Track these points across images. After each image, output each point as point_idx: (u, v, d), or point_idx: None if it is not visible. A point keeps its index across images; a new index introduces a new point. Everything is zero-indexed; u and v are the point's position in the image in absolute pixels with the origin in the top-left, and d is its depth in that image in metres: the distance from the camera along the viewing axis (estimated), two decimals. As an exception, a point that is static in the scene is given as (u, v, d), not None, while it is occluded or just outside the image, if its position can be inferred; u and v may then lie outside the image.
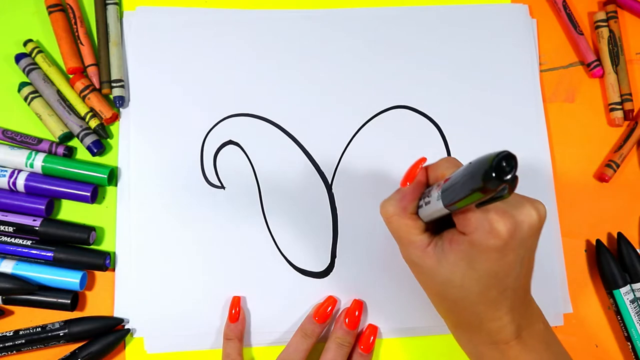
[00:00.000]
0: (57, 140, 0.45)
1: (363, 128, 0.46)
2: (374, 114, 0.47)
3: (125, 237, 0.44)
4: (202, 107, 0.46)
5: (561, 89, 0.49)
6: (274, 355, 0.41)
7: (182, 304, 0.43)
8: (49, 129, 0.45)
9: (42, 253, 0.41)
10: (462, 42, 0.49)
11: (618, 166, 0.47)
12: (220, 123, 0.46)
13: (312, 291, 0.43)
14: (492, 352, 0.33)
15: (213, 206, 0.44)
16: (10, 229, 0.42)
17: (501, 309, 0.32)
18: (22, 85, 0.45)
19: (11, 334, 0.41)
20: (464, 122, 0.47)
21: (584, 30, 0.50)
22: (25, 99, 0.45)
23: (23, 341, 0.40)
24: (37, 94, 0.45)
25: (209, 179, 0.45)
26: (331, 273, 0.44)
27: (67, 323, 0.41)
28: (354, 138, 0.46)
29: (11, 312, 0.43)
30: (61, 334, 0.40)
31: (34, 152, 0.43)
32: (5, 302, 0.42)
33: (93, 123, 0.45)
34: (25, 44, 0.46)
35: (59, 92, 0.45)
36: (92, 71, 0.46)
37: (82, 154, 0.45)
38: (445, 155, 0.46)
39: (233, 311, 0.42)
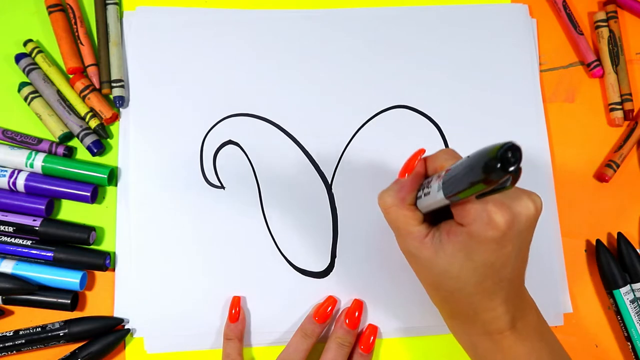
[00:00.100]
0: (57, 140, 0.45)
1: (363, 128, 0.46)
2: (373, 114, 0.47)
3: (125, 237, 0.44)
4: (202, 107, 0.46)
5: (561, 89, 0.49)
6: (274, 355, 0.41)
7: (182, 304, 0.43)
8: (49, 129, 0.45)
9: (42, 253, 0.41)
10: (462, 42, 0.49)
11: (618, 166, 0.47)
12: (220, 123, 0.46)
13: (312, 291, 0.43)
14: (486, 343, 0.34)
15: (213, 206, 0.44)
16: (10, 229, 0.42)
17: (496, 299, 0.32)
18: (22, 85, 0.45)
19: (11, 334, 0.41)
20: (463, 122, 0.47)
21: (584, 30, 0.50)
22: (25, 99, 0.45)
23: (23, 341, 0.40)
24: (37, 94, 0.45)
25: (209, 179, 0.45)
26: (331, 273, 0.44)
27: (67, 323, 0.41)
28: (354, 138, 0.46)
29: (11, 312, 0.43)
30: (61, 334, 0.40)
31: (34, 152, 0.44)
32: (5, 302, 0.42)
33: (93, 123, 0.45)
34: (25, 44, 0.46)
35: (59, 92, 0.45)
36: (92, 71, 0.46)
37: (82, 154, 0.45)
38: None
39: (233, 311, 0.42)
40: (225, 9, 0.48)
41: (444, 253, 0.31)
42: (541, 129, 0.47)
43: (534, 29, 0.50)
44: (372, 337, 0.42)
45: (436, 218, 0.33)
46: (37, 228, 0.42)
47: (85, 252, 0.42)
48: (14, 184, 0.43)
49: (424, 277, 0.34)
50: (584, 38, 0.49)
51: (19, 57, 0.46)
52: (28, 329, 0.41)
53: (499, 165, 0.24)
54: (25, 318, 0.42)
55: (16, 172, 0.43)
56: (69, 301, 0.41)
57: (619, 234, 0.45)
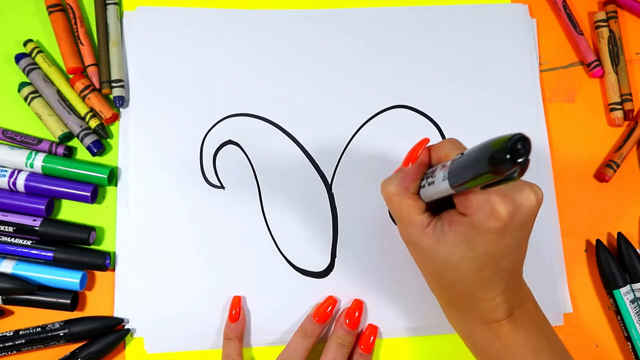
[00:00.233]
0: (57, 140, 0.45)
1: (363, 128, 0.46)
2: (374, 114, 0.47)
3: (125, 237, 0.44)
4: (202, 107, 0.46)
5: (561, 89, 0.49)
6: (274, 355, 0.41)
7: (182, 304, 0.43)
8: (49, 129, 0.45)
9: (42, 253, 0.42)
10: (462, 42, 0.49)
11: (618, 166, 0.47)
12: (220, 123, 0.46)
13: (312, 291, 0.43)
14: (484, 331, 0.34)
15: (213, 206, 0.44)
16: (10, 229, 0.42)
17: (495, 289, 0.32)
18: (22, 85, 0.45)
19: (11, 334, 0.41)
20: (463, 122, 0.47)
21: (584, 30, 0.50)
22: (25, 99, 0.45)
23: (23, 341, 0.40)
24: (37, 94, 0.45)
25: (209, 179, 0.45)
26: (331, 273, 0.44)
27: (67, 323, 0.41)
28: (354, 138, 0.46)
29: (11, 312, 0.43)
30: (61, 334, 0.40)
31: (34, 152, 0.44)
32: (5, 302, 0.42)
33: (93, 123, 0.45)
34: (25, 44, 0.46)
35: (59, 92, 0.45)
36: (92, 71, 0.46)
37: (82, 154, 0.45)
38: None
39: (233, 311, 0.42)
40: (225, 9, 0.48)
41: (446, 242, 0.31)
42: (541, 129, 0.47)
43: (534, 29, 0.50)
44: (372, 337, 0.42)
45: (438, 207, 0.33)
46: (37, 228, 0.42)
47: (85, 252, 0.42)
48: (14, 184, 0.43)
49: (425, 266, 0.34)
50: (584, 38, 0.49)
51: (19, 57, 0.46)
52: (28, 329, 0.41)
53: (509, 157, 0.24)
54: (25, 318, 0.42)
55: (16, 172, 0.43)
56: (69, 301, 0.41)
57: (619, 234, 0.45)
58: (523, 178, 0.28)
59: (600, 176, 0.47)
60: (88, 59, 0.46)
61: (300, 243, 0.44)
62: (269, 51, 0.48)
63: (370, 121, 0.47)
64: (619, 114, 0.48)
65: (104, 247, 0.44)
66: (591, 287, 0.46)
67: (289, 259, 0.44)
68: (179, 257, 0.43)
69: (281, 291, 0.43)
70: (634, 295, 0.44)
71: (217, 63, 0.47)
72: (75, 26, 0.47)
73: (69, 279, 0.41)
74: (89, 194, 0.43)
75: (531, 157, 0.25)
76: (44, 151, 0.44)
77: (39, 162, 0.43)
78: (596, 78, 0.50)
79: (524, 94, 0.48)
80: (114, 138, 0.46)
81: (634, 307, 0.43)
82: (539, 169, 0.47)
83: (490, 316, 0.33)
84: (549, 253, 0.45)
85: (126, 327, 0.42)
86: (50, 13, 0.47)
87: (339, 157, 0.46)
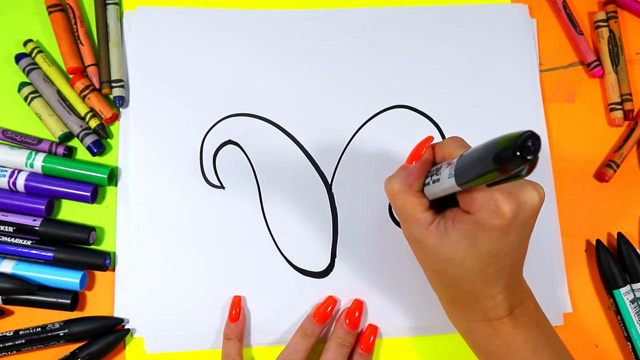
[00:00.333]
0: (57, 140, 0.45)
1: (363, 128, 0.46)
2: (374, 114, 0.47)
3: (125, 237, 0.44)
4: (202, 107, 0.46)
5: (561, 89, 0.49)
6: (274, 355, 0.41)
7: (182, 304, 0.43)
8: (49, 129, 0.45)
9: (42, 253, 0.41)
10: (462, 42, 0.49)
11: (618, 166, 0.47)
12: (220, 123, 0.46)
13: (312, 291, 0.43)
14: (485, 329, 0.34)
15: (213, 206, 0.44)
16: (10, 229, 0.42)
17: (497, 287, 0.32)
18: (22, 85, 0.45)
19: (11, 334, 0.41)
20: (463, 122, 0.47)
21: (584, 30, 0.50)
22: (25, 99, 0.45)
23: (23, 341, 0.40)
24: (37, 94, 0.45)
25: (209, 179, 0.45)
26: (331, 273, 0.44)
27: (67, 323, 0.41)
28: (354, 138, 0.46)
29: (11, 312, 0.43)
30: (61, 334, 0.40)
31: (34, 152, 0.44)
32: (5, 302, 0.42)
33: (93, 123, 0.45)
34: (25, 44, 0.46)
35: (59, 92, 0.45)
36: (92, 71, 0.46)
37: (82, 154, 0.45)
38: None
39: (233, 311, 0.42)
40: (225, 9, 0.48)
41: (449, 240, 0.31)
42: (541, 129, 0.47)
43: (534, 29, 0.50)
44: (372, 337, 0.42)
45: (441, 205, 0.33)
46: (37, 228, 0.42)
47: (85, 252, 0.42)
48: (14, 184, 0.43)
49: (428, 264, 0.34)
50: (584, 38, 0.49)
51: (19, 57, 0.46)
52: (28, 329, 0.41)
53: (519, 154, 0.24)
54: (25, 318, 0.42)
55: (16, 172, 0.43)
56: (69, 301, 0.41)
57: (619, 234, 0.45)
58: None
59: (600, 176, 0.47)
60: (88, 59, 0.46)
61: (300, 243, 0.44)
62: (269, 51, 0.48)
63: (370, 121, 0.47)
64: (619, 114, 0.48)
65: (104, 247, 0.44)
66: (591, 287, 0.46)
67: (289, 259, 0.44)
68: (179, 257, 0.43)
69: (281, 291, 0.43)
70: (634, 295, 0.44)
71: (217, 63, 0.47)
72: (75, 26, 0.47)
73: (69, 279, 0.41)
74: (89, 194, 0.43)
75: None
76: (44, 151, 0.44)
77: (39, 162, 0.43)
78: (596, 78, 0.50)
79: (524, 94, 0.48)
80: (114, 138, 0.46)
81: (634, 307, 0.43)
82: (539, 169, 0.47)
83: (491, 314, 0.33)
84: (549, 253, 0.45)
85: (126, 327, 0.42)
86: (50, 13, 0.47)
87: (339, 157, 0.46)
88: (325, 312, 0.41)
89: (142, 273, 0.43)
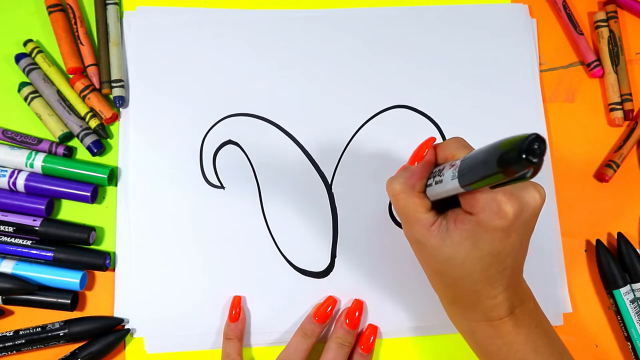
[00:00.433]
0: (57, 140, 0.45)
1: (363, 128, 0.46)
2: (374, 114, 0.47)
3: (125, 237, 0.44)
4: (201, 107, 0.46)
5: (561, 89, 0.49)
6: (274, 355, 0.41)
7: (182, 304, 0.43)
8: (49, 129, 0.45)
9: (42, 253, 0.41)
10: (462, 42, 0.49)
11: (618, 166, 0.47)
12: (220, 123, 0.46)
13: (312, 291, 0.43)
14: (486, 329, 0.34)
15: (213, 206, 0.44)
16: (10, 229, 0.42)
17: (498, 287, 0.32)
18: (22, 85, 0.45)
19: (11, 334, 0.41)
20: (463, 122, 0.47)
21: (584, 30, 0.50)
22: (25, 99, 0.45)
23: (23, 341, 0.40)
24: (37, 94, 0.45)
25: (209, 179, 0.45)
26: (331, 273, 0.44)
27: (67, 323, 0.41)
28: (354, 138, 0.46)
29: (11, 312, 0.43)
30: (61, 334, 0.40)
31: (34, 152, 0.44)
32: (5, 302, 0.42)
33: (93, 123, 0.45)
34: (25, 44, 0.46)
35: (59, 92, 0.45)
36: (92, 71, 0.46)
37: (82, 154, 0.45)
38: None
39: (234, 312, 0.42)
40: (225, 9, 0.48)
41: (451, 241, 0.31)
42: (541, 129, 0.47)
43: (534, 29, 0.50)
44: (372, 337, 0.42)
45: (442, 206, 0.33)
46: (37, 228, 0.42)
47: (85, 252, 0.42)
48: (14, 184, 0.43)
49: (429, 264, 0.34)
50: (584, 38, 0.49)
51: (19, 57, 0.46)
52: (28, 329, 0.41)
53: (524, 157, 0.24)
54: (25, 318, 0.42)
55: (16, 172, 0.43)
56: (69, 301, 0.41)
57: (619, 234, 0.45)
58: None
59: (600, 176, 0.47)
60: (88, 59, 0.46)
61: (300, 243, 0.44)
62: (269, 51, 0.48)
63: (370, 121, 0.47)
64: (619, 114, 0.48)
65: (104, 247, 0.44)
66: (591, 287, 0.46)
67: (289, 259, 0.44)
68: (179, 257, 0.43)
69: (281, 291, 0.43)
70: (634, 295, 0.44)
71: (217, 63, 0.47)
72: (75, 26, 0.47)
73: (69, 279, 0.41)
74: (89, 194, 0.43)
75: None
76: (44, 151, 0.44)
77: (39, 162, 0.43)
78: (596, 78, 0.50)
79: (524, 94, 0.48)
80: (114, 138, 0.46)
81: (634, 307, 0.43)
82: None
83: (492, 314, 0.33)
84: (549, 253, 0.45)
85: (126, 327, 0.42)
86: (50, 13, 0.47)
87: (339, 157, 0.46)
88: (325, 312, 0.41)
89: (142, 273, 0.43)
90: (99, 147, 0.44)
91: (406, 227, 0.34)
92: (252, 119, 0.46)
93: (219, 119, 0.46)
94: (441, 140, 0.46)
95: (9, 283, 0.40)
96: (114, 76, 0.46)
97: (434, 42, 0.49)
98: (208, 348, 0.42)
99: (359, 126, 0.46)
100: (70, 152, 0.45)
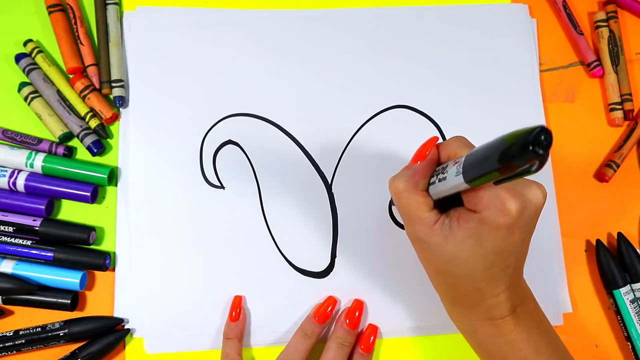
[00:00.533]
0: (57, 140, 0.45)
1: (363, 128, 0.46)
2: (374, 114, 0.47)
3: (125, 237, 0.44)
4: (202, 107, 0.46)
5: (561, 89, 0.49)
6: (274, 355, 0.41)
7: (182, 304, 0.43)
8: (49, 129, 0.45)
9: (42, 253, 0.41)
10: (462, 42, 0.49)
11: (618, 166, 0.47)
12: (220, 123, 0.46)
13: (312, 291, 0.43)
14: (488, 328, 0.34)
15: (213, 206, 0.44)
16: (10, 229, 0.42)
17: (501, 286, 0.32)
18: (22, 85, 0.45)
19: (11, 334, 0.41)
20: (463, 122, 0.47)
21: (584, 30, 0.50)
22: (25, 99, 0.45)
23: (23, 341, 0.40)
24: (37, 94, 0.45)
25: (209, 179, 0.45)
26: (331, 273, 0.44)
27: (67, 323, 0.41)
28: (354, 138, 0.46)
29: (11, 312, 0.43)
30: (61, 334, 0.40)
31: (34, 152, 0.44)
32: (5, 302, 0.42)
33: (93, 123, 0.45)
34: (25, 44, 0.46)
35: (59, 92, 0.45)
36: (92, 71, 0.46)
37: (82, 154, 0.45)
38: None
39: (233, 313, 0.42)
40: (225, 9, 0.48)
41: (454, 239, 0.31)
42: (541, 129, 0.47)
43: (534, 29, 0.50)
44: (372, 337, 0.42)
45: (443, 206, 0.33)
46: (37, 228, 0.42)
47: (85, 252, 0.42)
48: (14, 184, 0.43)
49: (431, 263, 0.34)
50: (584, 38, 0.49)
51: (19, 57, 0.46)
52: (28, 329, 0.41)
53: (531, 148, 0.24)
54: (25, 318, 0.42)
55: (16, 172, 0.43)
56: (69, 301, 0.41)
57: (619, 234, 0.45)
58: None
59: (600, 176, 0.47)
60: (88, 59, 0.46)
61: (300, 243, 0.44)
62: (269, 51, 0.48)
63: (370, 121, 0.47)
64: (619, 114, 0.48)
65: (104, 247, 0.44)
66: (591, 287, 0.46)
67: (289, 259, 0.44)
68: (179, 257, 0.43)
69: (281, 291, 0.43)
70: (634, 295, 0.44)
71: (217, 63, 0.47)
72: (75, 26, 0.47)
73: (69, 279, 0.41)
74: (89, 194, 0.43)
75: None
76: (44, 151, 0.44)
77: (39, 162, 0.43)
78: (596, 78, 0.50)
79: (524, 94, 0.48)
80: (114, 138, 0.46)
81: (634, 307, 0.43)
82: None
83: (495, 313, 0.33)
84: (549, 253, 0.45)
85: (126, 327, 0.42)
86: (50, 13, 0.47)
87: (339, 157, 0.46)
88: (325, 312, 0.41)
89: (142, 273, 0.43)
90: (99, 147, 0.44)
91: (408, 226, 0.34)
92: (252, 119, 0.46)
93: (219, 119, 0.46)
94: (441, 141, 0.46)
95: (9, 283, 0.40)
96: (114, 76, 0.46)
97: (434, 42, 0.49)
98: (208, 348, 0.42)
99: (359, 126, 0.46)
100: (70, 152, 0.45)
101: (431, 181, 0.33)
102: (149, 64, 0.47)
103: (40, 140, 0.44)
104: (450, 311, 0.37)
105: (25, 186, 0.43)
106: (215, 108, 0.46)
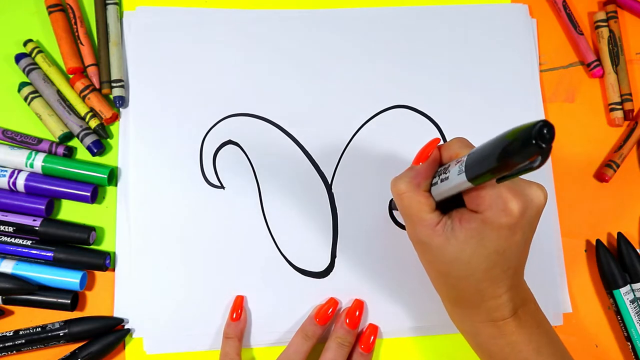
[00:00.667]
0: (57, 140, 0.45)
1: (363, 128, 0.46)
2: (374, 114, 0.47)
3: (125, 237, 0.44)
4: (201, 107, 0.46)
5: (561, 89, 0.49)
6: (274, 356, 0.41)
7: (182, 304, 0.43)
8: (49, 129, 0.45)
9: (42, 253, 0.41)
10: (462, 42, 0.49)
11: (618, 166, 0.47)
12: (220, 123, 0.46)
13: (312, 291, 0.43)
14: (489, 329, 0.34)
15: (213, 206, 0.44)
16: (10, 229, 0.42)
17: (502, 286, 0.32)
18: (22, 85, 0.45)
19: (11, 334, 0.41)
20: (463, 122, 0.47)
21: (584, 30, 0.50)
22: (25, 99, 0.45)
23: (23, 341, 0.40)
24: (37, 94, 0.45)
25: (209, 179, 0.45)
26: (331, 273, 0.44)
27: (67, 323, 0.41)
28: (354, 137, 0.46)
29: (11, 312, 0.43)
30: (61, 334, 0.40)
31: (34, 152, 0.43)
32: (5, 302, 0.42)
33: (93, 123, 0.45)
34: (25, 44, 0.46)
35: (59, 92, 0.45)
36: (92, 71, 0.46)
37: (82, 154, 0.45)
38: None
39: (235, 314, 0.41)
40: (225, 9, 0.48)
41: (456, 240, 0.31)
42: (541, 129, 0.47)
43: (534, 29, 0.50)
44: (372, 337, 0.42)
45: (445, 208, 0.33)
46: (37, 228, 0.42)
47: (85, 252, 0.42)
48: (14, 184, 0.43)
49: (433, 265, 0.34)
50: (584, 38, 0.49)
51: (19, 57, 0.46)
52: (28, 329, 0.41)
53: (534, 142, 0.24)
54: (25, 318, 0.42)
55: (16, 172, 0.43)
56: (69, 301, 0.41)
57: (619, 234, 0.45)
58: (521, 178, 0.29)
59: (600, 176, 0.47)
60: (88, 59, 0.46)
61: (300, 243, 0.44)
62: (269, 51, 0.47)
63: (370, 121, 0.47)
64: (619, 114, 0.48)
65: (104, 247, 0.44)
66: (591, 287, 0.46)
67: (289, 259, 0.44)
68: (178, 257, 0.43)
69: (281, 291, 0.43)
70: (634, 295, 0.44)
71: (217, 63, 0.47)
72: (75, 26, 0.47)
73: (69, 279, 0.41)
74: (89, 194, 0.43)
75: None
76: (44, 151, 0.44)
77: (39, 162, 0.43)
78: (596, 78, 0.50)
79: (524, 94, 0.48)
80: (114, 138, 0.46)
81: (634, 307, 0.43)
82: (539, 169, 0.46)
83: (496, 314, 0.33)
84: (549, 253, 0.45)
85: (126, 327, 0.42)
86: (50, 13, 0.47)
87: (339, 157, 0.46)
88: (326, 314, 0.41)
89: (142, 273, 0.43)
90: (99, 147, 0.44)
91: (410, 228, 0.34)
92: (252, 119, 0.46)
93: (219, 119, 0.46)
94: (441, 141, 0.46)
95: (9, 283, 0.40)
96: (114, 76, 0.46)
97: (434, 41, 0.49)
98: (208, 348, 0.42)
99: (359, 126, 0.46)
100: (70, 152, 0.45)
101: (433, 182, 0.33)
102: (149, 63, 0.47)
103: (40, 140, 0.44)
104: (451, 312, 0.37)
105: (25, 186, 0.43)
106: (215, 108, 0.46)
